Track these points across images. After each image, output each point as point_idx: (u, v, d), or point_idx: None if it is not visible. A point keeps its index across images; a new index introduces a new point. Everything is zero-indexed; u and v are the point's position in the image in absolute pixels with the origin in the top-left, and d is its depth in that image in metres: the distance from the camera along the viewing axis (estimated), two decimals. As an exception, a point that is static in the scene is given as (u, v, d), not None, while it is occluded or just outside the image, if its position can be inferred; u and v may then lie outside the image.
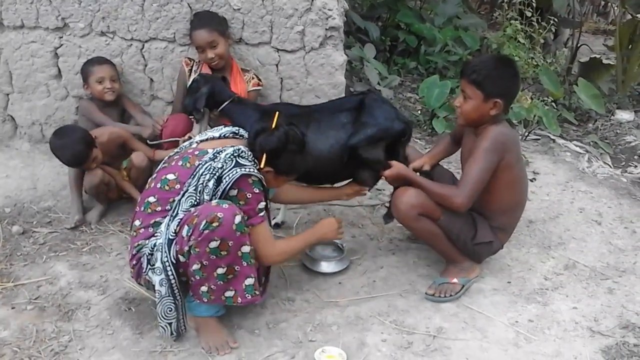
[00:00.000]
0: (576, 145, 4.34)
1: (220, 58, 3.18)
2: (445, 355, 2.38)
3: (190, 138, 2.86)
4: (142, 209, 2.36)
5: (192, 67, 3.31)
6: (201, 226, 2.17)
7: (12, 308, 2.57)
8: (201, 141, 2.48)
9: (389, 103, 2.86)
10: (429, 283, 2.79)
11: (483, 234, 2.73)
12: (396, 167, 2.70)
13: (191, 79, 3.19)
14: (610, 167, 4.17)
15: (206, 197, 2.28)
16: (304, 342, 2.43)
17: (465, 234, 2.72)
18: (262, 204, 2.37)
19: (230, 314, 2.50)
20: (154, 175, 2.42)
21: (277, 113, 2.47)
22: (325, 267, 2.89)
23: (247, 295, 2.31)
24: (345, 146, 2.72)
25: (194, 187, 2.28)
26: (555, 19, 5.14)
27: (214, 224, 2.16)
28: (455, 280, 2.74)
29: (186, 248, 2.21)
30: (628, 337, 2.51)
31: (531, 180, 3.75)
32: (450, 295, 2.70)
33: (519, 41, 4.82)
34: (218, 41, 3.16)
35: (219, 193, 2.28)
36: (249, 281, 2.31)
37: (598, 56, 5.56)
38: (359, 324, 2.54)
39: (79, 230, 3.15)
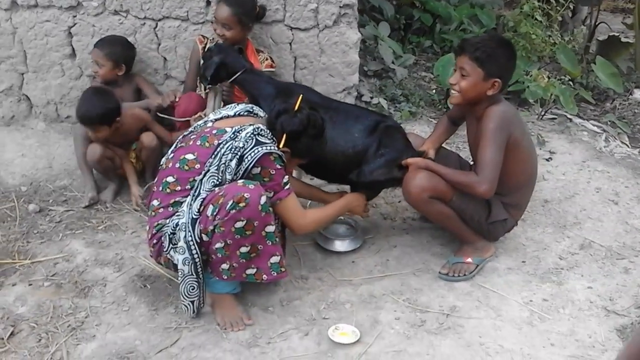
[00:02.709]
0: (593, 125, 4.27)
1: (227, 40, 3.14)
2: (458, 333, 2.38)
3: (201, 117, 2.86)
4: (161, 188, 2.37)
5: (205, 44, 3.29)
6: (227, 206, 2.18)
7: (30, 285, 2.61)
8: (216, 120, 2.48)
9: (401, 132, 2.84)
10: (442, 262, 2.79)
11: (497, 213, 2.72)
12: (415, 164, 2.66)
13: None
14: (628, 146, 4.11)
15: (228, 177, 2.28)
16: (317, 320, 2.44)
17: (480, 214, 2.71)
18: (286, 178, 2.39)
19: (244, 291, 2.52)
20: (171, 155, 2.43)
21: (301, 95, 2.48)
22: (339, 245, 2.89)
23: (272, 272, 2.35)
24: (348, 160, 2.71)
25: (215, 167, 2.28)
26: (574, -4, 5.05)
27: (241, 204, 2.18)
28: (469, 259, 2.73)
29: (211, 227, 2.22)
30: (644, 316, 2.49)
31: (547, 160, 3.72)
32: (464, 275, 2.69)
33: (536, 19, 4.73)
34: (233, 27, 3.11)
35: (241, 172, 2.29)
36: (275, 259, 2.34)
37: (616, 34, 5.45)
38: (373, 302, 2.55)
39: (95, 208, 3.18)
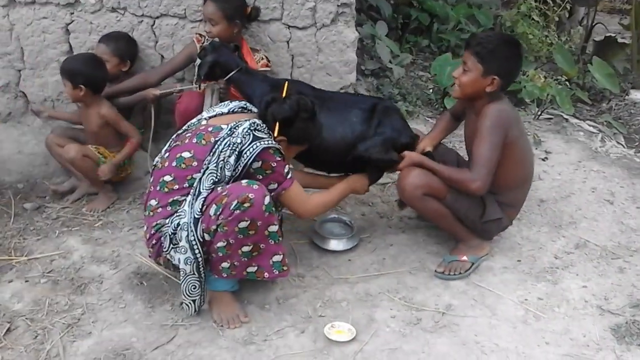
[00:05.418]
0: (589, 125, 4.29)
1: (213, 37, 3.13)
2: (453, 332, 2.39)
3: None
4: (158, 188, 2.36)
5: (203, 43, 3.28)
6: (232, 206, 2.18)
7: (26, 281, 2.61)
8: (210, 117, 2.48)
9: (399, 113, 2.85)
10: (438, 261, 2.79)
11: (491, 212, 2.72)
12: (409, 157, 2.68)
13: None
14: (624, 147, 4.13)
15: (227, 173, 2.29)
16: (313, 318, 2.45)
17: (474, 212, 2.72)
18: (287, 167, 2.41)
19: (241, 289, 2.52)
20: (166, 154, 2.42)
21: (286, 82, 2.49)
22: (335, 244, 2.90)
23: (274, 270, 2.37)
24: (349, 145, 2.71)
25: (214, 164, 2.28)
26: (571, -3, 5.07)
27: (245, 205, 2.18)
28: (464, 257, 2.74)
29: (213, 227, 2.22)
30: (638, 315, 2.50)
31: (543, 160, 3.73)
32: (460, 273, 2.70)
33: (533, 19, 4.75)
34: (219, 22, 3.10)
35: (240, 168, 2.30)
36: (277, 258, 2.36)
37: (613, 35, 5.48)
38: (369, 301, 2.56)
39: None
